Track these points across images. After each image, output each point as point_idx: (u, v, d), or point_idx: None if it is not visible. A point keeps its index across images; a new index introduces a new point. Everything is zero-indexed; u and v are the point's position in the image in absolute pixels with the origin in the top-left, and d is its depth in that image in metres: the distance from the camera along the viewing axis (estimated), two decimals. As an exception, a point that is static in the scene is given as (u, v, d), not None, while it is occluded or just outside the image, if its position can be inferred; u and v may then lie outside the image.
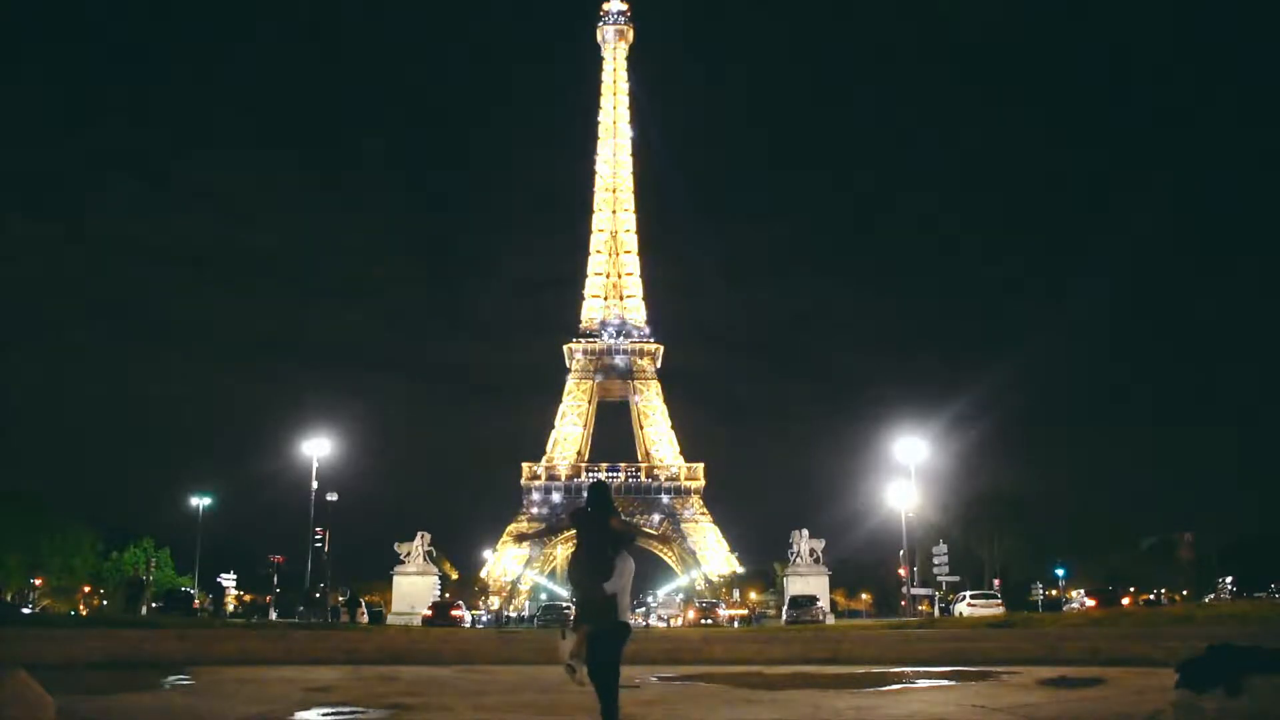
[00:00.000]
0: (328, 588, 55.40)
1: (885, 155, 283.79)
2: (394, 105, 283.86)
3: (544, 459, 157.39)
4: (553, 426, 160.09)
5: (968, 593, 55.37)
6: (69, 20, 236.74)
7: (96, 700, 11.09)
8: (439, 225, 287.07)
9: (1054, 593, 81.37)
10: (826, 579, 55.65)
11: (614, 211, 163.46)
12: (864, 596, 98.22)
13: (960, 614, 46.83)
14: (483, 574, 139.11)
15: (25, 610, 60.15)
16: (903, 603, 59.02)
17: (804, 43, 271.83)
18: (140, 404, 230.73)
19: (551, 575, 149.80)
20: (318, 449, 52.12)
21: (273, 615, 60.20)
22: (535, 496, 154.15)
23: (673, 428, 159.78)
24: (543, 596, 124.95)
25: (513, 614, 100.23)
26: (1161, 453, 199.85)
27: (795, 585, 54.46)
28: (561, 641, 8.15)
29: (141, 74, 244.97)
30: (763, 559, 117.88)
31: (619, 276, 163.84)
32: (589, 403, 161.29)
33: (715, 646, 21.60)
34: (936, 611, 56.01)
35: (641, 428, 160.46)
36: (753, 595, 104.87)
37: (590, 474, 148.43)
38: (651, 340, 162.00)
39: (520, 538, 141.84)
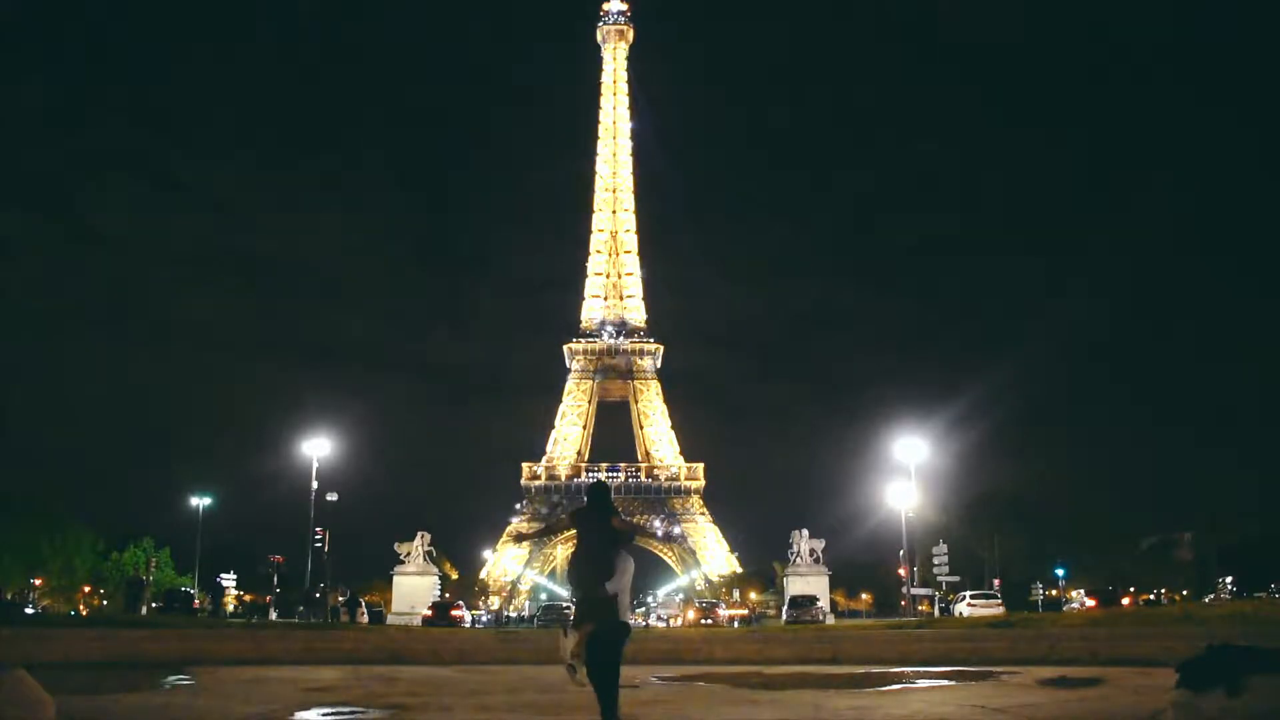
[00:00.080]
0: (328, 588, 55.39)
1: (885, 155, 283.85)
2: (394, 105, 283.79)
3: (544, 459, 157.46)
4: (553, 426, 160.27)
5: (968, 593, 55.35)
6: (69, 20, 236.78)
7: (96, 700, 11.09)
8: (439, 225, 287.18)
9: (1054, 593, 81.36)
10: (826, 579, 55.66)
11: (614, 211, 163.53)
12: (864, 596, 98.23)
13: (960, 614, 46.84)
14: (483, 574, 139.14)
15: (28, 610, 60.11)
16: (903, 603, 59.03)
17: (804, 42, 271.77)
18: (140, 404, 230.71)
19: (551, 575, 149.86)
20: (318, 449, 52.14)
21: (273, 615, 60.19)
22: (535, 496, 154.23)
23: (673, 428, 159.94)
24: (543, 596, 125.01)
25: (513, 614, 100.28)
26: (1161, 453, 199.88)
27: (795, 585, 54.48)
28: (563, 640, 8.14)
29: (141, 74, 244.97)
30: (763, 559, 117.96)
31: (619, 276, 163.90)
32: (589, 403, 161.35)
33: (715, 646, 21.60)
34: (936, 611, 56.03)
35: (641, 428, 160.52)
36: (753, 595, 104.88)
37: (590, 474, 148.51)
38: (651, 340, 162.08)
39: (520, 538, 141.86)
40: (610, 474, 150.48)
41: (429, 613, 47.90)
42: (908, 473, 53.37)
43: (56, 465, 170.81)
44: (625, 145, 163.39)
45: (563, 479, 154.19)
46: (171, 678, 14.87)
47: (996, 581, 69.50)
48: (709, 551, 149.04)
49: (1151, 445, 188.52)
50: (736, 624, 57.68)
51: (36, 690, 7.17)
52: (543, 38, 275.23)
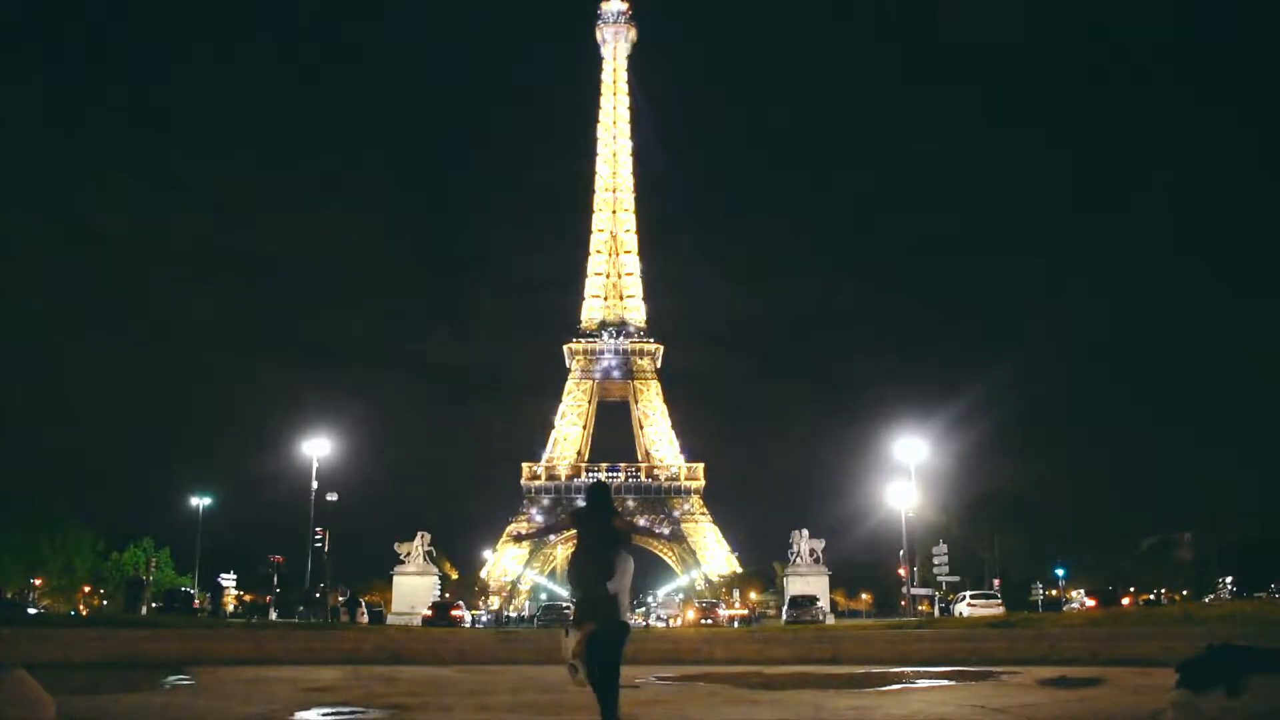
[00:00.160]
0: (328, 588, 55.40)
1: (885, 155, 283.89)
2: (394, 105, 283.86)
3: (544, 459, 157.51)
4: (553, 426, 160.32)
5: (968, 593, 55.36)
6: (69, 20, 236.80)
7: (96, 700, 11.09)
8: (439, 225, 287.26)
9: (1054, 593, 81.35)
10: (826, 579, 55.68)
11: (614, 211, 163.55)
12: (864, 596, 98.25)
13: (960, 614, 46.84)
14: (483, 574, 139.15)
15: (30, 611, 60.09)
16: (903, 603, 59.03)
17: (804, 42, 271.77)
18: (140, 404, 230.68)
19: (551, 575, 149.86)
20: (318, 449, 52.14)
21: (273, 615, 60.20)
22: (535, 496, 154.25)
23: (673, 428, 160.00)
24: (543, 596, 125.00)
25: (513, 614, 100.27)
26: (1161, 453, 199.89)
27: (795, 585, 54.49)
28: (565, 638, 8.13)
29: (141, 74, 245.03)
30: (763, 559, 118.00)
31: (619, 276, 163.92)
32: (589, 403, 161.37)
33: (715, 646, 21.60)
34: (936, 611, 56.04)
35: (641, 428, 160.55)
36: (753, 595, 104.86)
37: (590, 474, 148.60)
38: (651, 340, 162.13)
39: (519, 537, 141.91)
40: (610, 474, 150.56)
41: (429, 613, 47.91)
42: (908, 473, 53.39)
43: (56, 465, 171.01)
44: (625, 145, 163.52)
45: (563, 479, 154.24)
46: (171, 678, 14.87)
47: (996, 581, 69.50)
48: (709, 551, 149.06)
49: (1151, 445, 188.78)
50: (736, 624, 57.68)
51: (36, 690, 7.17)
52: (543, 38, 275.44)
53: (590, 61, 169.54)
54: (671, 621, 66.91)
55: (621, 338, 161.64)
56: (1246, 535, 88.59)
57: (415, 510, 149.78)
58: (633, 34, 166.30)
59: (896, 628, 26.77)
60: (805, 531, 56.27)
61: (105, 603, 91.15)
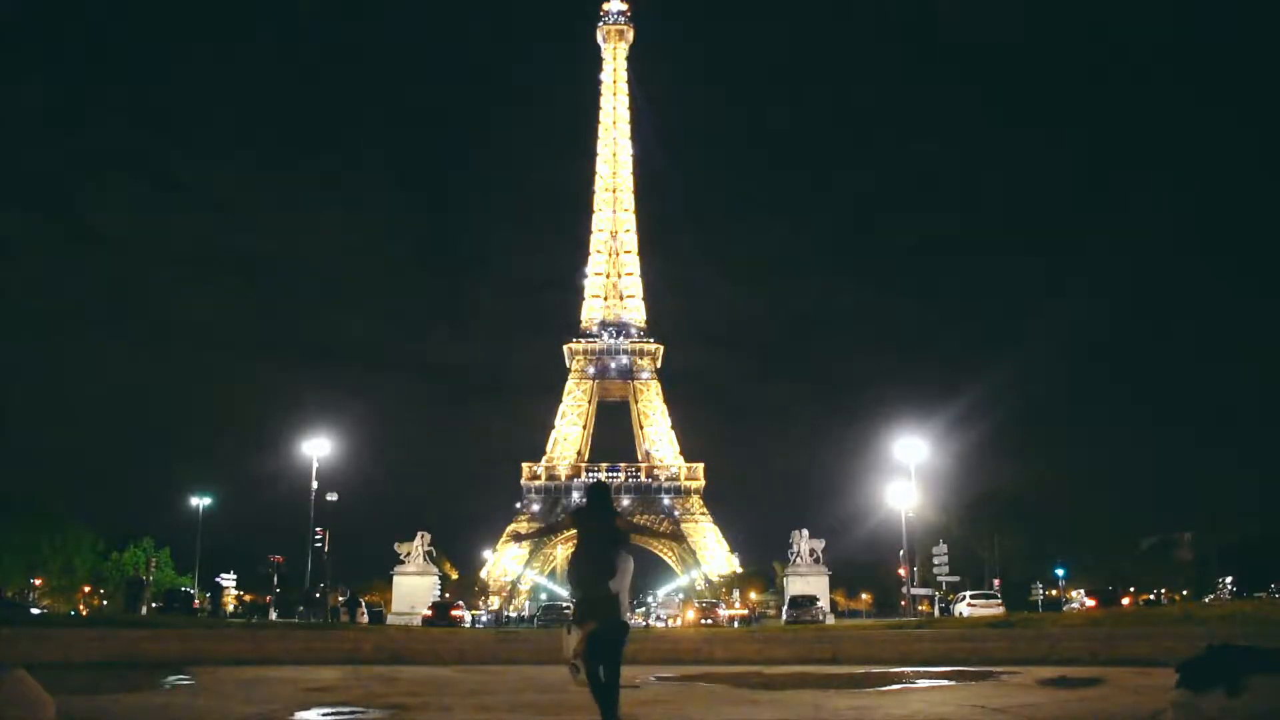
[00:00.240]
0: (328, 588, 55.40)
1: (885, 155, 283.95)
2: (394, 105, 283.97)
3: (544, 459, 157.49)
4: (553, 426, 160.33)
5: (968, 593, 55.36)
6: (69, 20, 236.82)
7: (96, 700, 11.09)
8: (439, 225, 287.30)
9: (1054, 593, 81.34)
10: (826, 579, 55.68)
11: (614, 211, 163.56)
12: (864, 596, 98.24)
13: (960, 614, 46.84)
14: (483, 574, 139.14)
15: (33, 611, 60.05)
16: (903, 603, 59.03)
17: (804, 42, 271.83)
18: (140, 404, 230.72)
19: (551, 575, 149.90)
20: (318, 449, 52.15)
21: (273, 615, 60.21)
22: (535, 496, 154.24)
23: (673, 428, 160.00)
24: (543, 596, 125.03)
25: (513, 614, 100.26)
26: (1161, 453, 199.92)
27: (795, 585, 54.49)
28: (566, 636, 8.12)
29: (141, 74, 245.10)
30: (763, 559, 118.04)
31: (619, 276, 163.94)
32: (589, 403, 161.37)
33: (715, 646, 21.59)
34: (936, 611, 56.03)
35: (641, 428, 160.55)
36: (753, 595, 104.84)
37: (590, 474, 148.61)
38: (651, 340, 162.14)
39: (519, 537, 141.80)
40: (610, 474, 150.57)
41: (429, 613, 47.91)
42: (908, 473, 53.39)
43: (56, 465, 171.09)
44: (625, 145, 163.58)
45: (563, 479, 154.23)
46: (171, 678, 14.87)
47: (996, 581, 69.49)
48: (709, 551, 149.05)
49: (1151, 445, 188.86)
50: (736, 624, 57.68)
51: (36, 690, 7.17)
52: (543, 38, 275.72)
53: (590, 61, 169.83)
54: (671, 621, 66.91)
55: (621, 338, 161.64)
56: (1246, 535, 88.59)
57: (415, 510, 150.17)
58: (632, 34, 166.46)
59: (896, 628, 26.76)
60: (805, 531, 56.28)
61: (105, 603, 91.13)
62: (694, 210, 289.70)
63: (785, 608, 51.24)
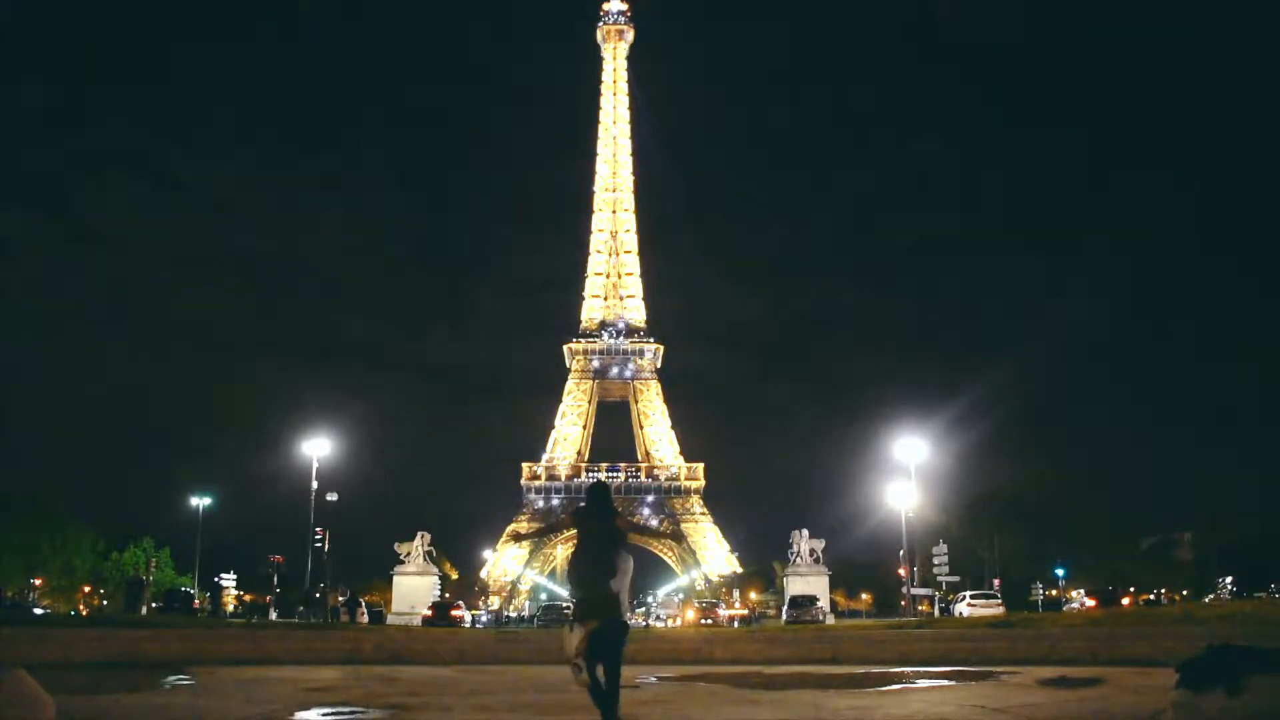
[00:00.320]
0: (328, 588, 55.42)
1: (885, 155, 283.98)
2: (394, 105, 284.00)
3: (544, 459, 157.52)
4: (553, 426, 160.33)
5: (968, 593, 55.37)
6: (69, 20, 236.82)
7: (96, 700, 11.09)
8: (439, 225, 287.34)
9: (1054, 593, 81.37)
10: (826, 579, 55.69)
11: (614, 211, 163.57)
12: (864, 596, 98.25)
13: (960, 614, 46.85)
14: (483, 574, 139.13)
15: (36, 611, 60.06)
16: (903, 603, 59.02)
17: (804, 42, 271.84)
18: (140, 404, 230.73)
19: (551, 575, 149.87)
20: (318, 449, 52.15)
21: (273, 615, 60.22)
22: (535, 496, 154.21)
23: (673, 428, 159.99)
24: (543, 596, 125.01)
25: (513, 614, 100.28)
26: (1161, 453, 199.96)
27: (795, 585, 54.50)
28: (568, 634, 8.10)
29: (141, 74, 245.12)
30: (763, 559, 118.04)
31: (619, 276, 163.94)
32: (589, 403, 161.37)
33: (715, 647, 21.59)
34: (936, 611, 56.03)
35: (641, 428, 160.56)
36: (753, 595, 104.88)
37: (590, 474, 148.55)
38: (651, 340, 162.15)
39: (519, 537, 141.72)
40: (610, 474, 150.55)
41: (429, 613, 47.91)
42: (908, 473, 53.39)
43: (56, 465, 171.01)
44: (625, 145, 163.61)
45: (563, 479, 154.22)
46: (171, 678, 14.86)
47: (996, 581, 69.50)
48: (709, 551, 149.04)
49: (1151, 445, 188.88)
50: (736, 624, 57.70)
51: (36, 690, 7.17)
52: (543, 38, 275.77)
53: (590, 61, 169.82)
54: (671, 621, 66.92)
55: (621, 338, 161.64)
56: (1246, 535, 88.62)
57: (415, 510, 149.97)
58: (632, 34, 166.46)
59: (896, 628, 26.76)
60: (805, 531, 56.28)
61: (105, 603, 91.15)
62: (694, 210, 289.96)
63: (785, 608, 51.24)
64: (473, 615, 72.18)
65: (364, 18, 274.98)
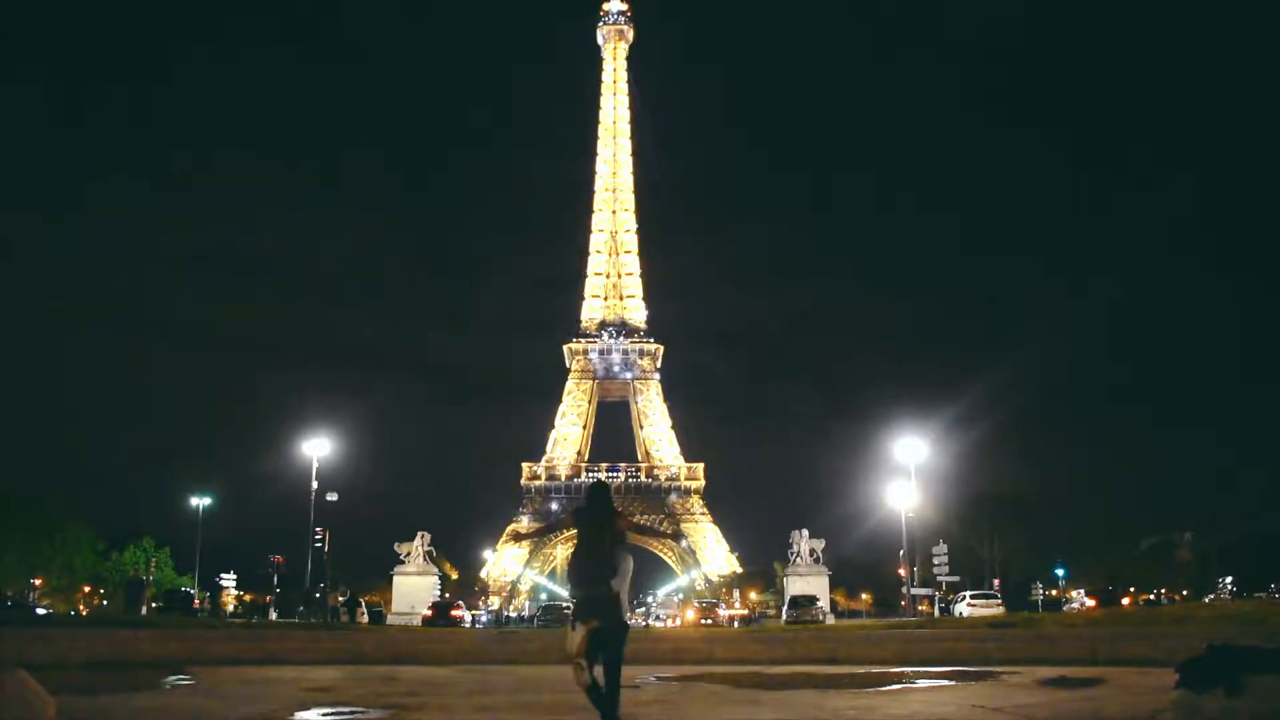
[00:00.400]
0: (328, 588, 55.42)
1: (885, 155, 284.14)
2: (394, 105, 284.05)
3: (544, 459, 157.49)
4: (553, 426, 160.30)
5: (968, 593, 55.40)
6: (69, 20, 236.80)
7: (96, 700, 11.09)
8: (439, 225, 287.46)
9: (1054, 593, 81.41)
10: (826, 579, 55.72)
11: (614, 211, 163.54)
12: (864, 596, 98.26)
13: (960, 614, 46.86)
14: (483, 574, 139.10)
15: (39, 611, 60.02)
16: (903, 603, 59.04)
17: (804, 42, 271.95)
18: (140, 404, 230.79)
19: (551, 575, 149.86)
20: (318, 449, 52.17)
21: (273, 615, 60.22)
22: (535, 496, 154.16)
23: (673, 428, 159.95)
24: (543, 596, 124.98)
25: (513, 614, 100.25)
26: (1161, 453, 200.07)
27: (795, 585, 54.52)
28: (571, 632, 8.10)
29: (141, 74, 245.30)
30: (763, 559, 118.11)
31: (619, 276, 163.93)
32: (589, 403, 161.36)
33: (715, 646, 21.58)
34: (936, 611, 56.03)
35: (641, 428, 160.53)
36: (753, 595, 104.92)
37: (590, 474, 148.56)
38: (651, 340, 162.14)
39: (519, 537, 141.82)
40: (610, 474, 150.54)
41: (429, 613, 47.92)
42: (908, 473, 53.41)
43: (56, 465, 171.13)
44: (625, 145, 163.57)
45: (563, 479, 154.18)
46: (171, 678, 14.86)
47: (996, 581, 69.58)
48: (709, 551, 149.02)
49: (1151, 445, 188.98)
50: (736, 624, 57.71)
51: (37, 690, 7.17)
52: (543, 38, 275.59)
53: (590, 61, 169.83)
54: (671, 621, 66.90)
55: (621, 338, 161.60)
56: (1246, 535, 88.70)
57: (415, 510, 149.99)
58: (632, 34, 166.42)
59: (896, 628, 26.76)
60: (805, 531, 56.30)
61: (105, 603, 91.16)
62: (694, 210, 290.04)
63: (785, 608, 51.25)
64: (473, 615, 72.17)
65: (364, 18, 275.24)
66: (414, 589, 54.83)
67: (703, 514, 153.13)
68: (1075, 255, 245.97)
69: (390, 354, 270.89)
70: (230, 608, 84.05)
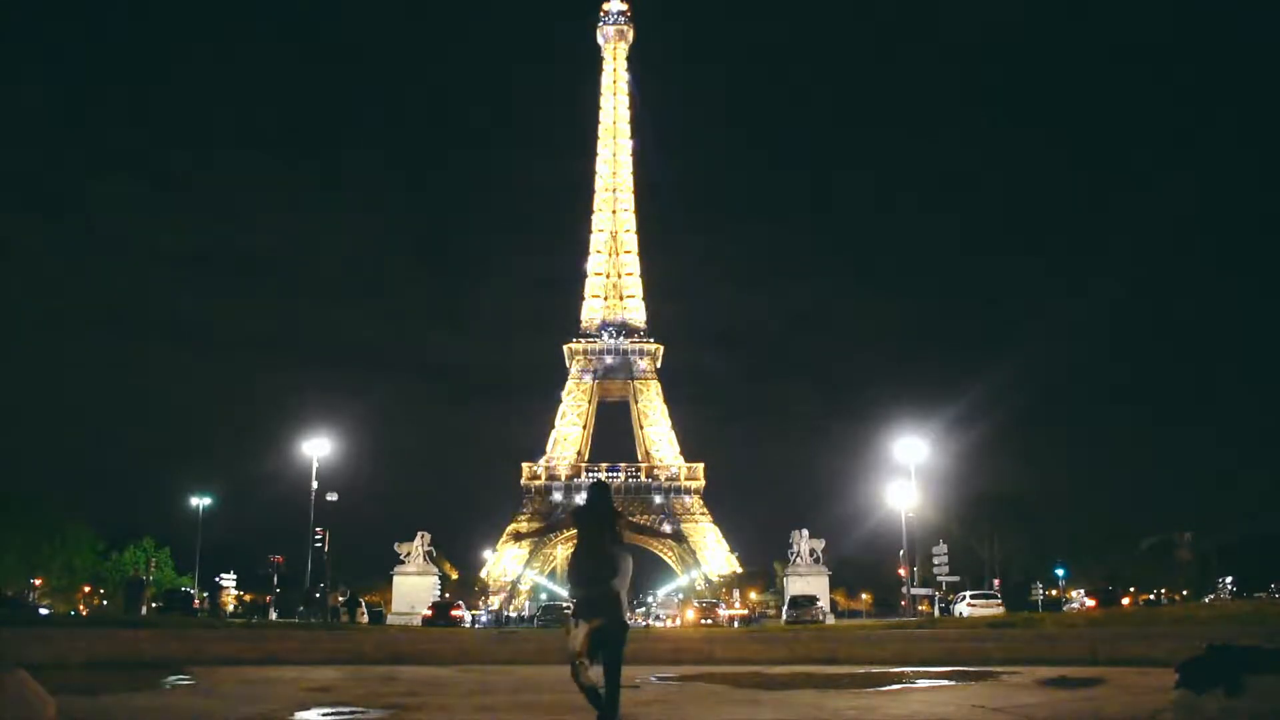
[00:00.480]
0: (328, 588, 55.42)
1: (885, 155, 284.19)
2: (394, 105, 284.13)
3: (544, 459, 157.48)
4: (553, 426, 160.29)
5: (968, 593, 55.40)
6: (69, 20, 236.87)
7: (96, 700, 11.08)
8: (439, 225, 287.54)
9: (1054, 593, 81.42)
10: (826, 579, 55.72)
11: (614, 211, 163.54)
12: (864, 596, 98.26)
13: (960, 614, 46.87)
14: (483, 574, 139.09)
15: (42, 611, 60.01)
16: (903, 603, 59.04)
17: (804, 42, 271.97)
18: (140, 404, 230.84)
19: (551, 575, 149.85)
20: (318, 449, 52.15)
21: (273, 615, 60.22)
22: (535, 496, 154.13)
23: (673, 428, 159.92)
24: (543, 596, 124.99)
25: (513, 614, 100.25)
26: (1161, 453, 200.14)
27: (795, 585, 54.52)
28: (574, 629, 8.10)
29: (141, 74, 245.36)
30: (763, 559, 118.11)
31: (619, 276, 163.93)
32: (589, 403, 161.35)
33: (715, 646, 21.58)
34: (936, 611, 56.03)
35: (641, 428, 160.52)
36: (753, 595, 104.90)
37: (590, 474, 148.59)
38: (651, 340, 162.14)
39: (519, 537, 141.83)
40: (610, 474, 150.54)
41: (429, 613, 47.92)
42: (908, 473, 53.40)
43: (56, 465, 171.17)
44: (625, 145, 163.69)
45: (563, 479, 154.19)
46: (171, 678, 14.85)
47: (996, 581, 69.58)
48: (709, 551, 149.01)
49: (1151, 445, 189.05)
50: (736, 624, 57.70)
51: (37, 690, 7.17)
52: (543, 38, 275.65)
53: (590, 61, 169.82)
54: (671, 621, 66.91)
55: (621, 338, 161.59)
56: (1246, 535, 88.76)
57: (415, 510, 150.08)
58: (632, 34, 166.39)
59: (896, 628, 26.76)
60: (805, 531, 56.30)
61: (105, 603, 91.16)
62: (694, 210, 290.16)
63: (785, 608, 51.25)
64: (473, 615, 72.19)
65: (364, 18, 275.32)
66: (414, 589, 54.83)
67: (703, 514, 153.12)
68: (1075, 255, 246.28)
69: (390, 354, 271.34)
70: (230, 608, 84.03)
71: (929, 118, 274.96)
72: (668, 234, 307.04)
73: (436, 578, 60.85)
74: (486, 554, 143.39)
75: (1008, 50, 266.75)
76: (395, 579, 56.70)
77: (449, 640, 23.88)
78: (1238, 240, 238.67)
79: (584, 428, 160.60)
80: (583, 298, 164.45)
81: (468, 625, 53.73)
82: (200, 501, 70.92)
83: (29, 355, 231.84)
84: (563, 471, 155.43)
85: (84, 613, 78.19)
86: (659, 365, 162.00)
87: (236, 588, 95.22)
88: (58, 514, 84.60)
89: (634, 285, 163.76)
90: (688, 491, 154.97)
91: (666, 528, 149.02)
